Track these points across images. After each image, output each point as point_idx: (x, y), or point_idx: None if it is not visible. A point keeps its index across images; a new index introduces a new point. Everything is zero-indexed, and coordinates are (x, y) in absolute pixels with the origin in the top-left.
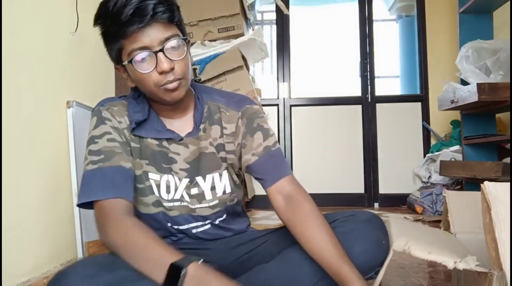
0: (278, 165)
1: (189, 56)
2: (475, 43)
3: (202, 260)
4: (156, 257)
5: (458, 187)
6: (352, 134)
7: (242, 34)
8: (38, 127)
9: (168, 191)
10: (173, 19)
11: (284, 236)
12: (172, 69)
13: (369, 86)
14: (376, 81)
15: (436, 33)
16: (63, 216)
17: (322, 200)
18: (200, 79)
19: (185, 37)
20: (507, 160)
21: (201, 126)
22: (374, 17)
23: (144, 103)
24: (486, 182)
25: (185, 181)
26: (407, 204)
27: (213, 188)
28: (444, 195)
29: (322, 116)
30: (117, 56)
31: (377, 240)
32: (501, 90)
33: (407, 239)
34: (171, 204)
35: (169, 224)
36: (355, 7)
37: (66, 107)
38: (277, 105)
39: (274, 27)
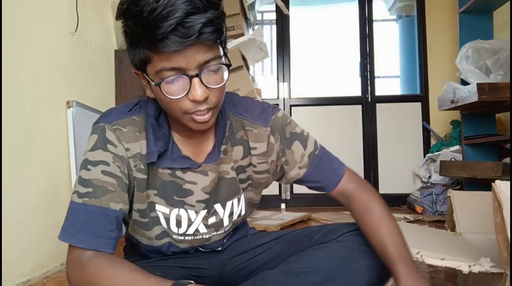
0: (330, 168)
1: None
2: (475, 43)
3: (193, 282)
4: None
5: (458, 187)
6: (352, 134)
7: (242, 34)
8: (38, 127)
9: (178, 226)
10: (220, 39)
11: (286, 244)
12: (206, 98)
13: (369, 86)
14: (376, 81)
15: (436, 33)
16: (63, 216)
17: (322, 200)
18: None
19: (229, 63)
20: (507, 160)
21: (222, 147)
22: (374, 17)
23: (165, 126)
24: (497, 181)
25: (203, 213)
26: (407, 204)
27: (231, 214)
28: (449, 195)
29: (322, 116)
30: (140, 64)
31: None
32: (501, 90)
33: (417, 247)
34: (181, 237)
35: (173, 251)
36: (355, 7)
37: (66, 107)
38: (277, 105)
39: (274, 27)
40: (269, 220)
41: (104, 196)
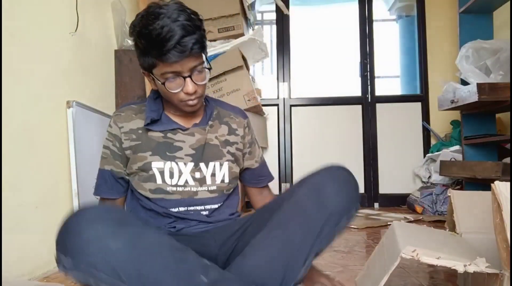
0: (268, 173)
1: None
2: (475, 43)
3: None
4: None
5: (458, 187)
6: (352, 134)
7: (242, 34)
8: (38, 127)
9: (171, 176)
10: (203, 51)
11: (261, 214)
12: (195, 91)
13: (369, 86)
14: (376, 81)
15: (436, 33)
16: (63, 216)
17: None
18: None
19: (210, 67)
20: (507, 160)
21: (210, 123)
22: (374, 17)
23: (159, 105)
24: (496, 182)
25: (190, 165)
26: (407, 204)
27: (213, 174)
28: (449, 195)
29: (322, 116)
30: (148, 68)
31: (344, 180)
32: (501, 90)
33: (415, 245)
34: (174, 188)
35: (166, 208)
36: (355, 7)
37: (66, 107)
38: (277, 105)
39: (274, 27)
40: None
41: (102, 162)
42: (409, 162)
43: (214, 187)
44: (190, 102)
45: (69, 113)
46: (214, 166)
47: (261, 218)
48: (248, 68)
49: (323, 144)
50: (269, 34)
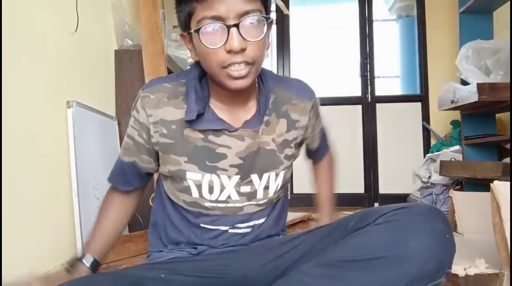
0: (325, 146)
1: (267, 40)
2: (475, 43)
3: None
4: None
5: (458, 187)
6: (352, 134)
7: None
8: (38, 127)
9: (211, 192)
10: None
11: (318, 237)
12: (243, 50)
13: (369, 86)
14: (376, 81)
15: (436, 33)
16: (63, 216)
17: None
18: None
19: (268, 16)
20: (507, 160)
21: (265, 118)
22: (374, 17)
23: (206, 91)
24: (496, 182)
25: (235, 178)
26: None
27: (266, 187)
28: (450, 195)
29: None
30: (185, 21)
31: (440, 234)
32: (501, 90)
33: None
34: (214, 204)
35: (202, 224)
36: (355, 7)
37: (66, 107)
38: None
39: (274, 27)
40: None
41: (123, 151)
42: (409, 162)
43: (264, 200)
44: (235, 71)
45: (69, 113)
46: (269, 177)
47: (315, 247)
48: None
49: None
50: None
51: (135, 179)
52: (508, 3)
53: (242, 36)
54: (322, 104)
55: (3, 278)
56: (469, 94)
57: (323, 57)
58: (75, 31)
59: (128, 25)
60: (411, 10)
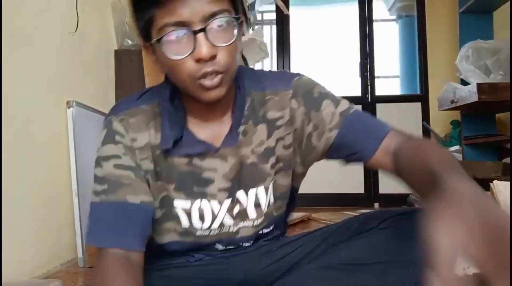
0: (367, 128)
1: (239, 43)
2: (475, 43)
3: None
4: None
5: None
6: None
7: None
8: (38, 127)
9: (202, 219)
10: None
11: (320, 238)
12: (213, 57)
13: (369, 86)
14: (376, 81)
15: (436, 33)
16: (63, 216)
17: (322, 200)
18: None
19: (238, 16)
20: (507, 160)
21: (241, 128)
22: (374, 17)
23: (180, 111)
24: (495, 182)
25: (227, 203)
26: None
27: (257, 205)
28: None
29: None
30: (145, 30)
31: None
32: (501, 90)
33: None
34: (206, 232)
35: (195, 250)
36: (355, 7)
37: (66, 107)
38: None
39: (274, 27)
40: None
41: (120, 189)
42: None
43: (261, 219)
44: (207, 82)
45: (69, 113)
46: (257, 193)
47: (317, 249)
48: None
49: None
50: (269, 34)
51: (147, 227)
52: (508, 3)
53: (210, 41)
54: None
55: (3, 278)
56: (469, 94)
57: (323, 57)
58: (75, 31)
59: (128, 25)
60: (411, 10)
